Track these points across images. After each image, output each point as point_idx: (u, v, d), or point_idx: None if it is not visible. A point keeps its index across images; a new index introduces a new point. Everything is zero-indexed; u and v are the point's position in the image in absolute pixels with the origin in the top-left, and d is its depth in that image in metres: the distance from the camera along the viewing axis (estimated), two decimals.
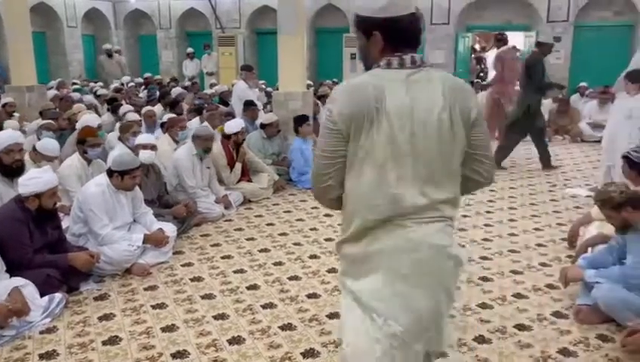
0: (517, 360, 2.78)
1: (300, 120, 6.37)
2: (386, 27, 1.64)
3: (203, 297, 3.48)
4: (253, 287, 3.63)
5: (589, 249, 3.81)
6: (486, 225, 4.95)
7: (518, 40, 14.34)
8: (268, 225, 4.95)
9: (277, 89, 7.43)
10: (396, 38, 1.65)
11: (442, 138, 1.62)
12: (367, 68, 1.72)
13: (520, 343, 2.94)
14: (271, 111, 7.07)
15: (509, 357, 2.80)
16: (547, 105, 9.66)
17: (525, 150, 8.15)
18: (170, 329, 3.09)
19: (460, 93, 1.68)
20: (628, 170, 3.88)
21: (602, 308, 3.07)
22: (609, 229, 3.46)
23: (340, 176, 1.66)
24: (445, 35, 13.91)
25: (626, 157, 3.88)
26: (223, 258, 4.15)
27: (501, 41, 8.07)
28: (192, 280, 3.77)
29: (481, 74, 14.62)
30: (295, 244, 4.44)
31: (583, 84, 11.04)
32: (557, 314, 3.26)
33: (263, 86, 11.33)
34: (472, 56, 15.10)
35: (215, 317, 3.21)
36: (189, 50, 14.30)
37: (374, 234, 1.65)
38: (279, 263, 4.04)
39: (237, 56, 14.49)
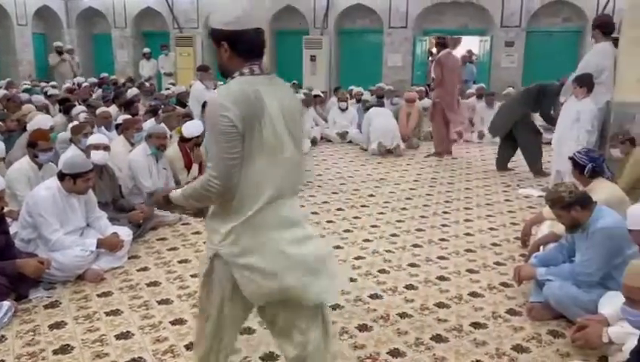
0: (473, 357, 2.84)
1: None
2: (233, 39, 1.98)
3: (160, 302, 3.41)
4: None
5: (541, 247, 3.94)
6: (443, 225, 5.05)
7: (473, 44, 14.74)
8: None
9: None
10: (242, 48, 1.98)
11: (298, 129, 2.07)
12: (225, 75, 2.05)
13: (476, 341, 3.00)
14: None
15: (465, 355, 2.86)
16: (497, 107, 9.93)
17: (480, 151, 8.36)
18: (125, 336, 3.01)
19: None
20: (574, 170, 4.04)
21: (553, 304, 3.18)
22: (560, 228, 3.58)
23: (240, 169, 1.93)
24: (403, 38, 14.12)
25: (572, 159, 4.04)
26: (180, 262, 4.07)
27: (441, 45, 8.16)
28: (148, 285, 3.68)
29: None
30: None
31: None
32: (511, 312, 3.35)
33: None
34: (430, 59, 15.38)
35: (172, 323, 3.15)
36: (146, 50, 14.00)
37: (265, 211, 1.97)
38: None
39: (195, 57, 14.30)
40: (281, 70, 15.76)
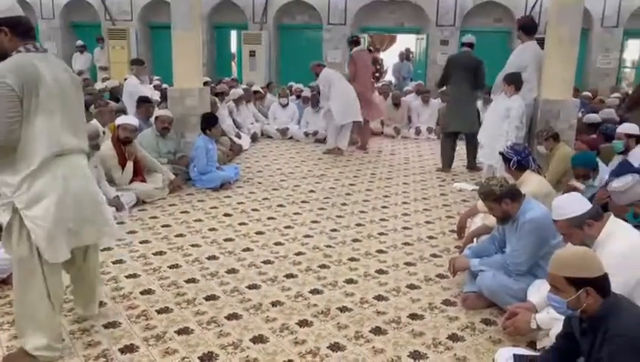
0: (411, 348, 2.90)
1: (210, 120, 6.20)
2: (12, 23, 2.47)
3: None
4: (148, 292, 3.46)
5: (475, 239, 4.09)
6: (382, 219, 5.13)
7: (410, 42, 15.08)
8: (163, 226, 4.76)
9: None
10: (20, 31, 2.48)
11: (74, 99, 2.65)
12: (5, 55, 2.45)
13: (413, 332, 3.07)
14: (166, 107, 6.80)
15: (403, 346, 2.92)
16: (436, 104, 10.23)
17: (417, 147, 8.56)
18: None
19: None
20: (504, 165, 4.21)
21: (486, 294, 3.30)
22: (492, 221, 3.71)
23: (20, 126, 2.40)
24: (342, 35, 14.22)
25: (502, 154, 4.21)
26: (114, 263, 3.92)
27: (355, 42, 8.46)
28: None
29: (377, 74, 15.12)
30: (193, 246, 4.31)
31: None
32: (446, 302, 3.45)
33: (158, 82, 10.90)
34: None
35: (105, 326, 3.02)
36: (79, 42, 13.39)
37: (48, 164, 2.47)
38: (175, 266, 3.90)
39: (129, 51, 13.82)
40: (219, 65, 15.54)
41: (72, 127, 2.60)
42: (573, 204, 2.68)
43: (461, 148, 7.47)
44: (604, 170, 4.62)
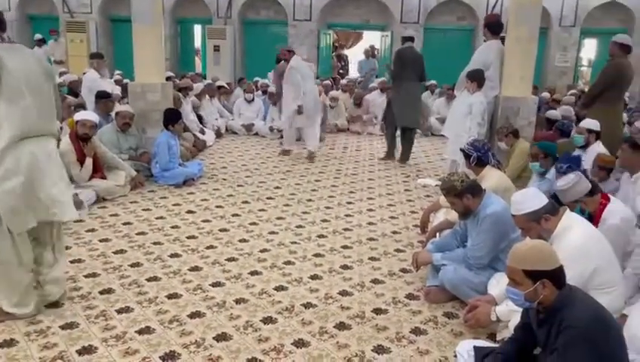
0: (375, 342, 2.92)
1: (172, 115, 6.09)
2: None
3: (48, 306, 3.16)
4: (107, 291, 3.38)
5: (437, 234, 4.15)
6: (347, 215, 5.15)
7: (375, 39, 15.17)
8: (124, 224, 4.65)
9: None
10: None
11: (44, 86, 2.88)
12: None
13: (377, 326, 3.09)
14: (127, 103, 6.66)
15: (367, 341, 2.94)
16: None
17: (382, 143, 8.62)
18: (8, 344, 2.76)
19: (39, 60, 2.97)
20: (465, 161, 4.29)
21: (448, 287, 3.35)
22: (454, 215, 3.77)
23: None
24: (308, 31, 14.21)
25: (462, 150, 4.28)
26: (73, 262, 3.81)
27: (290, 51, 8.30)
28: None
29: (341, 71, 15.18)
30: (155, 244, 4.22)
31: (432, 82, 11.94)
32: (410, 296, 3.49)
33: (120, 77, 10.65)
34: (333, 53, 15.61)
35: (62, 327, 2.93)
36: (38, 36, 12.92)
37: (15, 146, 2.73)
38: (137, 264, 3.82)
39: (89, 44, 13.46)
40: (183, 60, 15.30)
41: (42, 112, 2.85)
42: (531, 199, 2.75)
43: (419, 141, 7.58)
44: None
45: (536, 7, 5.98)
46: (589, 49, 15.28)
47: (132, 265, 3.79)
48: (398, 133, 7.67)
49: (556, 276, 2.05)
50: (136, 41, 6.35)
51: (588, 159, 4.68)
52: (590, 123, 5.13)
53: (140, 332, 2.92)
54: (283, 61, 7.68)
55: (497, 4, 13.07)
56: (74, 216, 3.06)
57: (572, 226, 2.70)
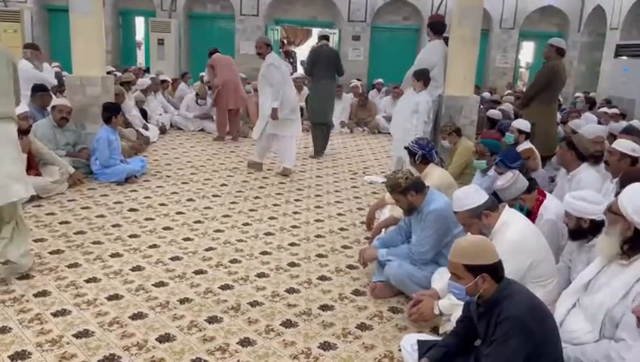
0: (321, 339, 2.92)
1: (111, 109, 5.86)
2: None
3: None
4: (43, 294, 3.22)
5: (383, 230, 4.20)
6: (295, 212, 5.14)
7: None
8: (62, 223, 4.45)
9: None
10: None
11: (3, 73, 3.15)
12: None
13: (324, 323, 3.10)
14: (65, 96, 6.37)
15: (313, 337, 2.94)
16: (348, 98, 10.42)
17: (329, 140, 8.65)
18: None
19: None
20: (410, 158, 4.37)
21: (393, 282, 3.41)
22: (399, 212, 3.84)
23: None
24: (255, 26, 14.08)
25: (407, 148, 4.36)
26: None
27: (212, 53, 8.66)
28: None
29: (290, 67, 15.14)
30: (94, 243, 4.07)
31: (379, 80, 12.12)
32: (356, 293, 3.52)
33: (58, 69, 10.18)
34: (281, 50, 15.55)
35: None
36: None
37: None
38: (74, 265, 3.66)
39: (23, 34, 12.77)
40: (125, 53, 14.81)
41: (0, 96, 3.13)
42: (472, 195, 2.83)
43: (366, 139, 7.67)
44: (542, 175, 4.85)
45: (478, 9, 6.15)
46: (527, 52, 15.93)
47: (69, 266, 3.63)
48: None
49: (495, 270, 2.11)
50: (74, 32, 6.09)
51: None
52: (521, 123, 5.34)
53: (78, 335, 2.79)
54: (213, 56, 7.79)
55: (442, 5, 13.38)
56: (24, 194, 3.28)
57: (510, 222, 2.80)
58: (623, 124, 6.02)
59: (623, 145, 3.81)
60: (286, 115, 6.38)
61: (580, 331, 2.36)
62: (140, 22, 15.01)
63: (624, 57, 11.31)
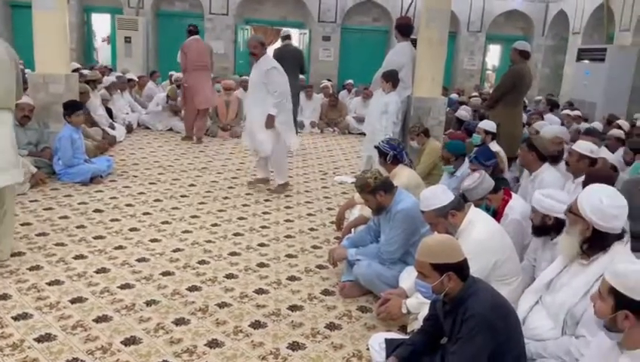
0: (290, 339, 2.91)
1: (71, 107, 5.70)
2: None
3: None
4: (2, 297, 3.12)
5: (353, 230, 4.22)
6: (264, 212, 5.11)
7: (293, 37, 15.13)
8: (23, 225, 4.32)
9: None
10: None
11: (11, 70, 3.46)
12: None
13: (293, 323, 3.09)
14: (27, 94, 6.19)
15: (282, 338, 2.93)
16: (318, 99, 10.43)
17: (299, 141, 8.64)
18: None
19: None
20: (379, 158, 4.40)
21: (362, 282, 3.42)
22: (368, 212, 3.86)
23: None
24: (225, 25, 13.96)
25: (377, 148, 4.39)
26: None
27: (189, 32, 8.41)
28: None
29: None
30: (57, 245, 3.96)
31: (349, 81, 12.17)
32: (325, 292, 3.53)
33: (21, 66, 9.88)
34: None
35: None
36: None
37: None
38: (36, 267, 3.56)
39: None
40: (92, 50, 14.48)
41: (4, 89, 3.42)
42: (438, 195, 2.87)
43: (336, 139, 7.69)
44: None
45: (445, 12, 6.24)
46: (494, 55, 16.23)
47: (31, 269, 3.53)
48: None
49: (461, 268, 2.14)
50: (37, 28, 5.94)
51: None
52: (487, 124, 5.44)
53: (40, 339, 2.72)
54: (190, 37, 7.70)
55: (410, 7, 13.52)
56: (18, 179, 3.62)
57: (476, 221, 2.84)
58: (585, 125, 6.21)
59: (582, 146, 3.92)
60: (282, 123, 5.67)
61: (542, 328, 2.42)
62: (105, 19, 14.69)
63: (586, 61, 11.64)
